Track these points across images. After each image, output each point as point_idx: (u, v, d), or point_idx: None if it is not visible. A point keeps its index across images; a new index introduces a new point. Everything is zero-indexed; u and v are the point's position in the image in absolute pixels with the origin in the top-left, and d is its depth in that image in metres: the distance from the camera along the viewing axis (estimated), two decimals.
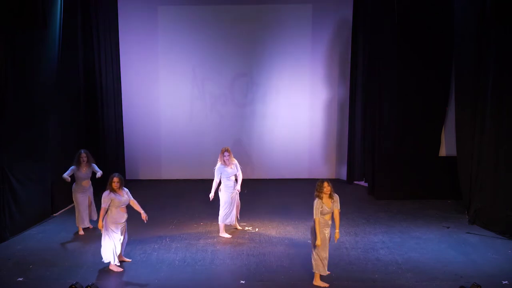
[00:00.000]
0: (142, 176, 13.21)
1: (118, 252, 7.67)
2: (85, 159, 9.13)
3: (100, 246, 8.40)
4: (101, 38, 11.74)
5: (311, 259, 7.11)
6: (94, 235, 9.07)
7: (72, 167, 9.17)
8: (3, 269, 7.63)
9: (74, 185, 9.27)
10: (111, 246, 7.57)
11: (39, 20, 9.07)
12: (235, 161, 9.20)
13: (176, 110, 13.25)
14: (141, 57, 13.03)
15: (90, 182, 9.37)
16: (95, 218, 9.33)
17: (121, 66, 12.62)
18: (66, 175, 9.13)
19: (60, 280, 7.18)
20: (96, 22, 11.58)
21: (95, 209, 9.39)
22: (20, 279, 7.28)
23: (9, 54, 8.67)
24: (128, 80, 12.90)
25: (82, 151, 9.20)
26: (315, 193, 7.00)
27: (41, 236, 9.08)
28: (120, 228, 7.63)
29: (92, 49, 11.58)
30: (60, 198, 10.46)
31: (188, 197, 11.64)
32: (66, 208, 10.69)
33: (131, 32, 12.85)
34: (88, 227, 9.39)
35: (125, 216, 7.72)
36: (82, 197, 9.23)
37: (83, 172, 9.17)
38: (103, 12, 11.76)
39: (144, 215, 7.78)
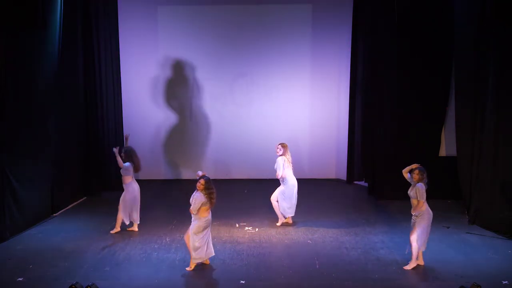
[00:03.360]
0: (142, 176, 13.16)
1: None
2: (122, 156, 9.12)
3: (99, 247, 8.44)
4: (101, 38, 11.73)
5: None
6: (94, 235, 9.09)
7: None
8: (3, 269, 7.62)
9: None
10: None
11: (39, 20, 9.06)
12: (278, 159, 9.50)
13: (176, 110, 13.25)
14: (141, 57, 13.04)
15: (126, 185, 9.12)
16: (127, 222, 9.24)
17: (121, 66, 12.62)
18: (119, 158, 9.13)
19: (60, 280, 7.17)
20: (96, 22, 11.57)
21: (123, 214, 9.18)
22: (20, 279, 7.27)
23: (9, 54, 8.66)
24: (128, 80, 12.89)
25: (123, 149, 9.25)
26: (424, 179, 7.47)
27: (41, 236, 9.07)
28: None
29: (92, 49, 11.57)
30: (60, 198, 10.46)
31: (188, 197, 11.58)
32: (66, 208, 10.70)
33: (131, 32, 12.85)
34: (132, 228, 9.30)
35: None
36: None
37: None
38: (103, 12, 11.74)
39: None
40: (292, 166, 9.63)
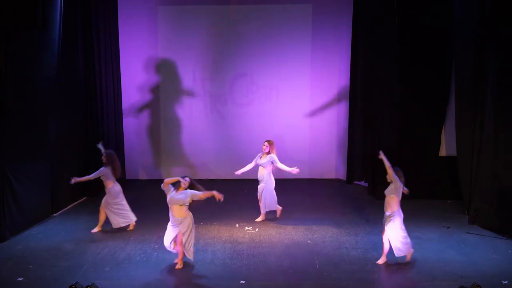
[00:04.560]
0: (142, 176, 13.21)
1: (166, 243, 7.76)
2: (103, 159, 9.14)
3: (99, 247, 8.46)
4: (101, 38, 11.73)
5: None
6: (95, 236, 9.11)
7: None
8: (3, 269, 7.62)
9: None
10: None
11: (39, 20, 9.06)
12: (271, 155, 9.66)
13: (176, 110, 13.25)
14: (141, 57, 13.04)
15: (109, 188, 9.16)
16: (114, 226, 9.29)
17: (121, 66, 12.63)
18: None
19: (60, 280, 7.18)
20: (96, 22, 11.57)
21: (111, 217, 9.23)
22: (20, 279, 7.28)
23: (9, 54, 8.66)
24: (128, 80, 12.91)
25: (105, 152, 9.24)
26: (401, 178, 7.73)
27: (41, 236, 9.08)
28: (173, 225, 7.68)
29: (92, 49, 11.57)
30: (60, 198, 10.46)
31: None
32: (66, 208, 10.70)
33: (131, 32, 12.85)
34: (97, 230, 9.29)
35: (176, 218, 7.63)
36: None
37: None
38: (103, 12, 11.76)
39: (217, 196, 7.57)
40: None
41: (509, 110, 9.02)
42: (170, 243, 7.74)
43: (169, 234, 7.73)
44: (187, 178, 7.66)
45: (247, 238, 8.96)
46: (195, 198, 7.60)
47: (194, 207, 10.76)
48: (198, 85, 13.18)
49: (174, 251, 7.79)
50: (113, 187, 9.19)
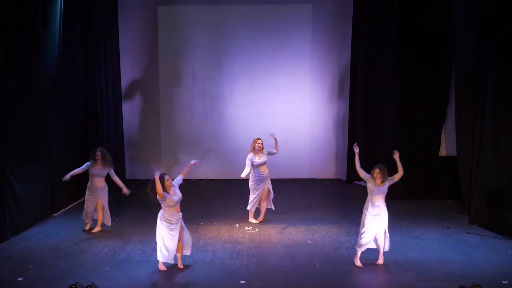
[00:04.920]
0: (142, 176, 13.16)
1: (167, 251, 7.52)
2: (99, 157, 9.05)
3: (99, 247, 8.47)
4: (101, 38, 11.75)
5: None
6: (95, 236, 9.10)
7: (88, 163, 9.12)
8: (3, 269, 7.62)
9: (88, 182, 9.21)
10: (159, 244, 7.55)
11: (39, 20, 9.07)
12: (266, 149, 9.73)
13: (176, 110, 13.25)
14: (141, 57, 13.04)
15: (105, 185, 9.18)
16: (108, 223, 9.26)
17: (121, 66, 12.63)
18: (77, 169, 9.09)
19: (60, 280, 7.17)
20: (96, 21, 11.58)
21: (109, 215, 9.23)
22: (20, 279, 7.28)
23: (9, 54, 8.66)
24: (128, 80, 12.91)
25: (98, 149, 9.13)
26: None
27: (41, 236, 9.07)
28: (175, 223, 7.53)
29: (92, 49, 11.58)
30: (60, 198, 10.45)
31: (188, 197, 11.56)
32: (66, 208, 10.69)
33: (131, 32, 12.85)
34: (98, 230, 9.24)
35: (180, 214, 7.57)
36: (90, 197, 9.15)
37: (96, 169, 9.07)
38: (103, 12, 11.76)
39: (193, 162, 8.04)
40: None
41: (509, 110, 9.02)
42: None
43: (174, 239, 7.52)
44: (165, 176, 7.53)
45: (247, 238, 8.96)
46: (181, 182, 7.78)
47: (194, 207, 10.79)
48: (198, 85, 13.18)
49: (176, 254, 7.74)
50: (105, 185, 9.20)
